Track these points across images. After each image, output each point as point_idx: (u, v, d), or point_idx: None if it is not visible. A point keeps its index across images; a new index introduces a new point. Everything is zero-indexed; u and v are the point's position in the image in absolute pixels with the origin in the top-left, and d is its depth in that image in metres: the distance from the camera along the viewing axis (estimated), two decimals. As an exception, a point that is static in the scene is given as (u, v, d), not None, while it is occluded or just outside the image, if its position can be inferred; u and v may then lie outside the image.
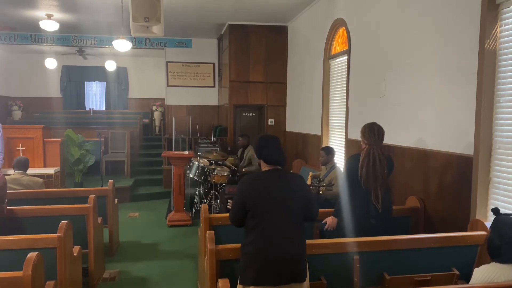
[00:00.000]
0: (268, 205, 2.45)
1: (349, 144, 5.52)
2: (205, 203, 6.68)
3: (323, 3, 6.55)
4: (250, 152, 7.01)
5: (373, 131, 3.30)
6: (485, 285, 2.26)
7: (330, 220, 3.49)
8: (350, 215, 3.38)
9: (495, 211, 2.39)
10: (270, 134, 2.86)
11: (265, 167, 2.62)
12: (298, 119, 7.99)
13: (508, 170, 3.07)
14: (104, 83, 14.44)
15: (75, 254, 3.47)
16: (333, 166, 5.07)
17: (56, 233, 3.12)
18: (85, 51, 11.65)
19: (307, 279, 2.56)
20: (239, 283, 2.50)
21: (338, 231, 3.43)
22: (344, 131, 5.66)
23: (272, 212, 2.44)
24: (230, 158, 7.35)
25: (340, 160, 5.75)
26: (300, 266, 2.47)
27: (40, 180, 5.01)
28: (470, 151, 3.29)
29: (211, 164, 6.98)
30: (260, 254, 2.42)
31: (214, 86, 10.66)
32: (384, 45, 4.66)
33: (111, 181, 5.14)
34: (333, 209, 3.58)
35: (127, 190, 8.19)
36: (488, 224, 3.01)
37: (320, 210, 3.71)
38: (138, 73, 13.99)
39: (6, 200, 3.77)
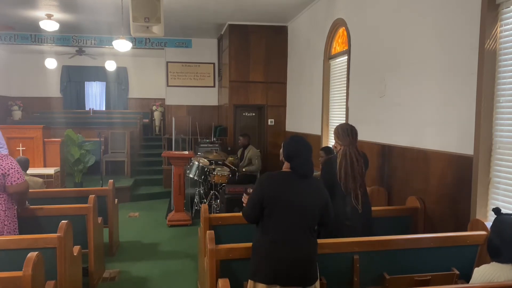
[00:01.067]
0: (286, 205, 2.43)
1: (349, 144, 5.51)
2: (205, 203, 6.68)
3: (323, 3, 6.55)
4: (250, 152, 7.01)
5: (346, 132, 3.27)
6: (485, 285, 2.26)
7: None
8: None
9: (496, 210, 2.39)
10: (305, 140, 2.63)
11: (286, 168, 2.56)
12: (298, 119, 7.99)
13: (508, 170, 3.07)
14: (104, 83, 14.44)
15: (75, 254, 3.47)
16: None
17: (56, 233, 3.12)
18: (85, 51, 11.66)
19: (318, 282, 2.56)
20: (250, 279, 2.50)
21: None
22: (344, 131, 5.65)
23: (289, 213, 2.43)
24: (230, 158, 7.35)
25: (340, 160, 5.74)
26: (310, 270, 2.47)
27: (40, 180, 5.01)
28: (470, 151, 3.29)
29: (211, 164, 6.98)
30: (273, 253, 2.42)
31: (214, 86, 10.67)
32: (384, 45, 4.66)
33: (111, 181, 5.14)
34: None
35: (127, 190, 8.19)
36: (488, 224, 3.01)
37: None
38: (138, 73, 13.98)
39: (27, 202, 3.83)
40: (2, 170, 3.24)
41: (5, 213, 3.31)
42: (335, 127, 3.43)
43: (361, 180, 3.20)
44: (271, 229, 2.44)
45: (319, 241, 2.68)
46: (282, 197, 2.44)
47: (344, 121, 5.66)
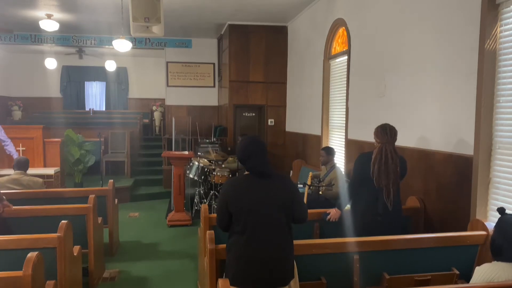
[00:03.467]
0: (248, 207, 2.41)
1: (349, 144, 5.52)
2: (205, 203, 6.68)
3: (323, 3, 6.55)
4: None
5: (385, 130, 3.33)
6: (485, 285, 2.26)
7: (333, 212, 3.53)
8: (355, 211, 3.39)
9: (501, 210, 2.39)
10: (254, 139, 2.62)
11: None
12: (298, 119, 7.99)
13: (508, 170, 3.07)
14: (104, 83, 14.43)
15: (75, 254, 3.47)
16: (333, 166, 5.08)
17: (56, 233, 3.12)
18: (85, 51, 11.66)
19: (295, 280, 2.53)
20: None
21: (341, 226, 3.44)
22: (344, 131, 5.66)
23: (253, 214, 2.41)
24: (230, 158, 7.35)
25: (340, 160, 5.75)
26: (283, 269, 2.43)
27: (40, 180, 5.01)
28: (470, 151, 3.29)
29: (211, 164, 6.98)
30: (242, 256, 2.41)
31: (214, 86, 10.67)
32: (384, 45, 4.66)
33: (111, 181, 5.14)
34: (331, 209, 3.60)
35: (127, 190, 8.19)
36: (488, 224, 3.02)
37: (321, 210, 3.74)
38: (138, 73, 13.98)
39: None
40: None
41: None
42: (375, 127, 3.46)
43: (394, 178, 3.23)
44: (240, 232, 2.43)
45: (319, 241, 2.68)
46: (245, 200, 2.43)
47: (344, 121, 5.67)
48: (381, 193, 3.23)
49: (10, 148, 6.01)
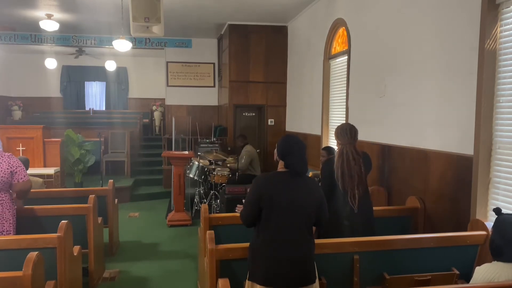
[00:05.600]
0: (282, 204, 2.41)
1: (349, 144, 5.51)
2: (205, 203, 6.68)
3: (323, 3, 6.55)
4: (243, 151, 6.94)
5: (344, 131, 3.26)
6: (485, 285, 2.26)
7: None
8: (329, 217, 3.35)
9: (497, 211, 2.39)
10: (298, 138, 2.62)
11: (281, 168, 2.56)
12: (298, 119, 7.99)
13: (508, 170, 3.07)
14: (104, 83, 14.43)
15: (75, 254, 3.47)
16: (333, 166, 5.07)
17: (56, 233, 3.12)
18: (85, 51, 11.66)
19: (317, 281, 2.54)
20: (248, 279, 2.49)
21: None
22: (344, 131, 5.65)
23: (286, 212, 2.41)
24: (230, 158, 7.35)
25: (340, 160, 5.74)
26: (307, 270, 2.45)
27: (40, 180, 5.01)
28: (470, 151, 3.29)
29: (211, 164, 6.98)
30: (269, 253, 2.41)
31: (214, 86, 10.67)
32: (384, 45, 4.66)
33: (111, 181, 5.14)
34: None
35: (127, 190, 8.19)
36: (488, 224, 3.02)
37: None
38: (138, 73, 13.98)
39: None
40: (11, 168, 3.29)
41: (9, 212, 3.35)
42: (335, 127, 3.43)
43: (359, 179, 3.16)
44: (268, 229, 2.43)
45: (319, 241, 2.68)
46: (278, 197, 2.43)
47: (344, 121, 5.66)
48: (346, 196, 3.16)
49: None
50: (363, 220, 3.21)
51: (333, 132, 3.46)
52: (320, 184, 3.23)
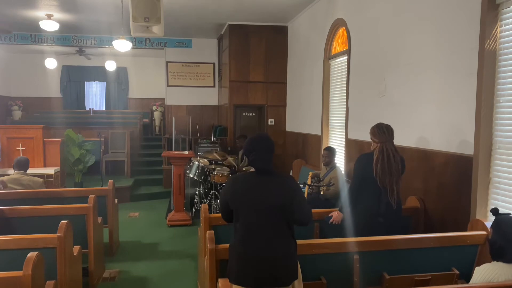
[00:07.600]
0: (250, 203, 2.43)
1: (349, 144, 5.52)
2: (205, 203, 6.68)
3: (323, 3, 6.55)
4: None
5: (382, 129, 3.33)
6: (485, 285, 2.26)
7: (335, 215, 3.52)
8: (356, 213, 3.37)
9: (494, 211, 2.39)
10: (262, 135, 2.68)
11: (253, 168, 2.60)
12: (298, 119, 7.99)
13: (508, 170, 3.07)
14: (104, 83, 14.42)
15: (75, 254, 3.47)
16: (333, 166, 5.09)
17: (56, 233, 3.12)
18: (85, 51, 11.65)
19: (299, 281, 2.51)
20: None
21: (342, 228, 3.44)
22: (344, 131, 5.66)
23: (253, 212, 2.42)
24: (230, 158, 7.35)
25: (340, 160, 5.75)
26: (281, 269, 2.40)
27: (40, 180, 5.01)
28: (470, 151, 3.29)
29: (211, 164, 6.98)
30: (241, 254, 2.43)
31: (214, 86, 10.67)
32: (384, 45, 4.66)
33: (111, 181, 5.14)
34: (332, 209, 3.59)
35: (127, 190, 8.19)
36: (488, 224, 3.01)
37: (321, 210, 3.74)
38: (138, 73, 13.97)
39: None
40: None
41: None
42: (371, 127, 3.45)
43: (397, 177, 3.24)
44: (240, 229, 2.45)
45: (319, 241, 2.68)
46: (243, 197, 2.45)
47: (344, 121, 5.67)
48: (384, 192, 3.22)
49: None
50: (395, 218, 3.26)
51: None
52: (351, 180, 3.32)
